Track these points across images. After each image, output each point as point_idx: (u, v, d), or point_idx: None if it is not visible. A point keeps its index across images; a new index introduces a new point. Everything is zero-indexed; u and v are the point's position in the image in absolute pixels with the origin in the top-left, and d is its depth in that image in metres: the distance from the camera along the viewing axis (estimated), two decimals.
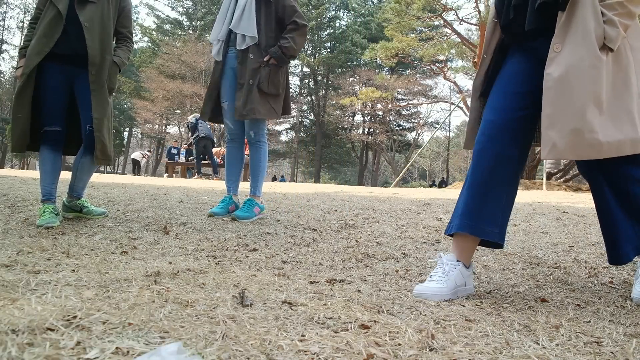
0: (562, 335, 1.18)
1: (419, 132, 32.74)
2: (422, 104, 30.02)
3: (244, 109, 2.86)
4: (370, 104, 27.60)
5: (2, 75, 35.35)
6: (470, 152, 1.90)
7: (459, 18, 17.48)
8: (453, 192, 6.45)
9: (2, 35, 35.42)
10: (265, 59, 2.88)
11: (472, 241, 1.68)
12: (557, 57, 1.49)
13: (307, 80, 35.70)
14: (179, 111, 28.72)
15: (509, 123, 1.61)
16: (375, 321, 1.17)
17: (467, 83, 32.15)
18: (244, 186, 3.52)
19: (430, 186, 26.73)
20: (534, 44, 1.62)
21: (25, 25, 28.82)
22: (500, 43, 1.73)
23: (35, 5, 2.75)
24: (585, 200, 4.89)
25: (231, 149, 3.14)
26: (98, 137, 2.64)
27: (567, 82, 1.47)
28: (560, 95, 1.48)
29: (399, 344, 1.02)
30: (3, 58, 36.13)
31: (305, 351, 0.94)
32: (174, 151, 15.00)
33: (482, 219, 1.63)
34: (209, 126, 10.25)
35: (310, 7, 32.37)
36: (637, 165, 1.56)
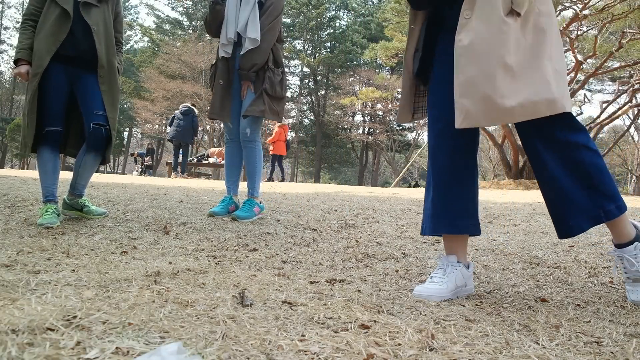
0: (562, 335, 1.18)
1: (419, 132, 32.70)
2: None
3: (251, 107, 2.91)
4: (370, 104, 27.56)
5: (1, 76, 35.32)
6: None
7: None
8: None
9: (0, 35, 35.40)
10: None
11: (459, 236, 1.69)
12: (467, 24, 1.49)
13: (307, 80, 35.65)
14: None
15: (451, 115, 1.57)
16: (375, 321, 1.17)
17: None
18: (245, 186, 3.51)
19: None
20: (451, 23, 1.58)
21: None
22: (429, 15, 1.69)
23: (29, 1, 2.70)
24: None
25: (231, 149, 3.15)
26: (111, 136, 2.68)
27: (476, 48, 1.46)
28: (470, 62, 1.47)
29: (399, 344, 1.02)
30: (2, 58, 36.04)
31: (305, 351, 0.94)
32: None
33: (455, 215, 1.65)
34: (186, 123, 10.26)
35: (310, 7, 32.35)
36: (574, 131, 1.49)
